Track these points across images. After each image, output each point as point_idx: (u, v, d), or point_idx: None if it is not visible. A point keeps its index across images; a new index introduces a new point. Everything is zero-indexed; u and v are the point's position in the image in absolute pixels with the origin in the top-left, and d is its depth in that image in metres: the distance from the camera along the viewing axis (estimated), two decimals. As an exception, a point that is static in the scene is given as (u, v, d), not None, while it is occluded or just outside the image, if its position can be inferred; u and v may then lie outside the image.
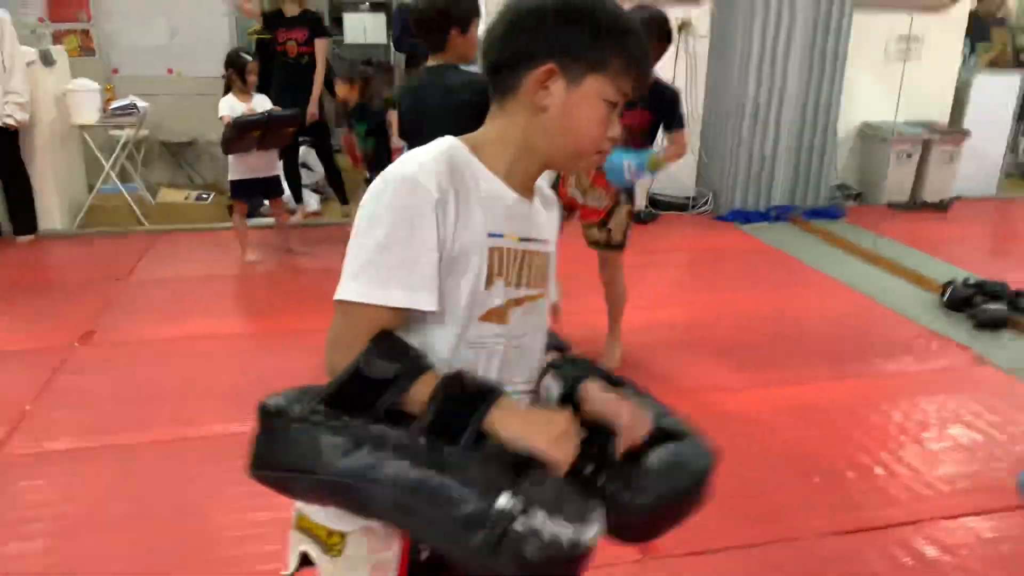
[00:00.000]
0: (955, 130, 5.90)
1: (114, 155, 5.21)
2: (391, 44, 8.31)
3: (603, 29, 1.03)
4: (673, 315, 3.86)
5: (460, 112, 2.49)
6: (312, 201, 5.73)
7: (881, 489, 2.44)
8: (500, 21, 1.09)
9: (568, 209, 3.09)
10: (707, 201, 5.69)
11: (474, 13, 2.52)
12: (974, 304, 3.84)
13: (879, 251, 4.69)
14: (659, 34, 2.94)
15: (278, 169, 4.66)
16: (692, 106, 5.74)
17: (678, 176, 5.80)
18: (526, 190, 1.12)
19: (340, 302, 0.99)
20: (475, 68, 2.54)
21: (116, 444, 2.65)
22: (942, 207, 5.79)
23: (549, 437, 0.93)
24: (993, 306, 3.73)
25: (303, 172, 5.69)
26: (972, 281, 4.00)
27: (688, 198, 5.84)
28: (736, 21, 5.33)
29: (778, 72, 5.34)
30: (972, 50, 6.27)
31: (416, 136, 2.59)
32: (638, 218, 5.49)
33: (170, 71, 6.04)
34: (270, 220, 5.17)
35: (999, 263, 4.70)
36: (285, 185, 5.30)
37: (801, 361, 3.35)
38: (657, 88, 2.93)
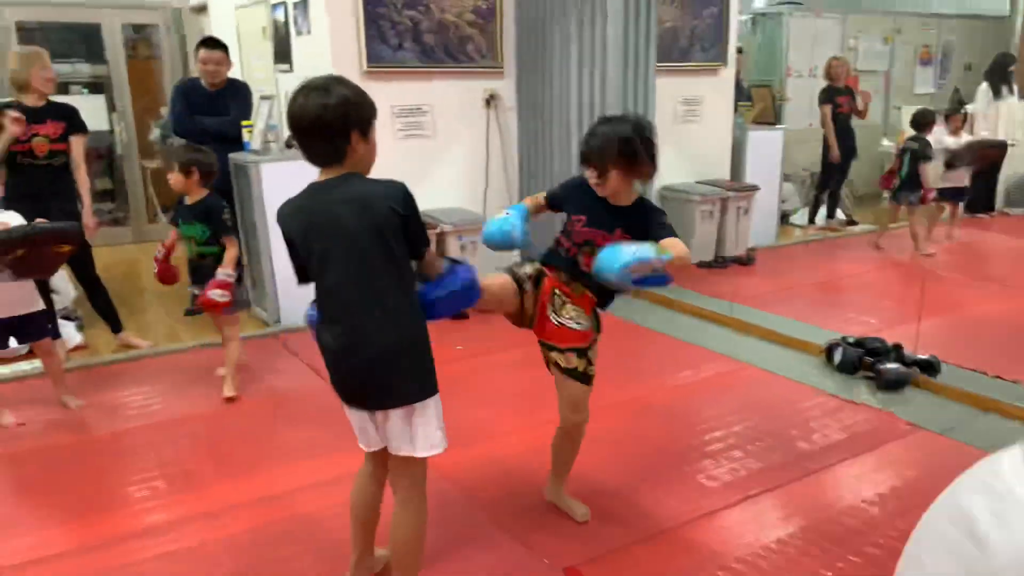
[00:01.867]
0: (747, 186, 6.16)
1: None
2: (113, 130, 7.09)
3: None
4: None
5: (384, 230, 1.90)
6: (72, 332, 4.47)
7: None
8: None
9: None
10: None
11: (374, 112, 1.97)
12: (865, 365, 3.84)
13: (736, 315, 4.63)
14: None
15: (39, 302, 3.50)
16: (509, 181, 5.40)
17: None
18: None
19: None
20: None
21: None
22: (748, 261, 5.98)
23: None
24: (891, 365, 3.73)
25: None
26: (851, 340, 4.02)
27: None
28: (543, 90, 5.09)
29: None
30: (735, 110, 6.65)
31: (322, 265, 1.94)
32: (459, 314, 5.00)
33: None
34: (25, 366, 3.92)
35: (843, 315, 4.84)
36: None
37: (753, 459, 3.04)
38: (645, 209, 2.40)
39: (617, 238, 2.29)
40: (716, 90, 6.20)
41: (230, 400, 3.60)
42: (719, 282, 5.57)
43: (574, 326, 2.42)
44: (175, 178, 3.49)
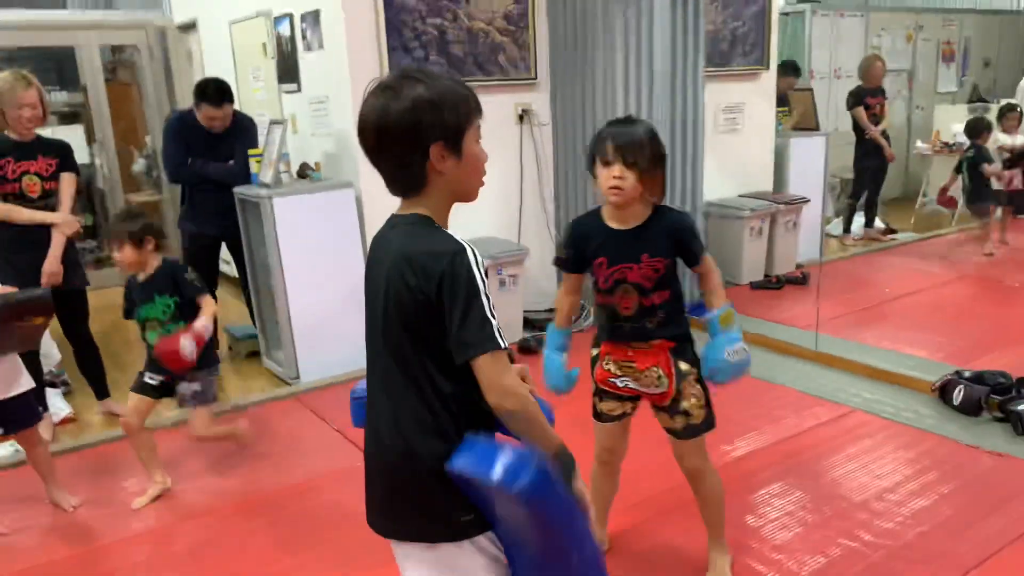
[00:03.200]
0: (796, 198, 5.65)
1: None
2: (94, 163, 6.46)
3: None
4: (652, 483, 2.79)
5: (406, 312, 1.33)
6: (59, 403, 3.85)
7: None
8: None
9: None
10: (586, 313, 4.78)
11: (469, 114, 1.36)
12: (992, 405, 3.31)
13: (822, 347, 4.09)
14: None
15: (25, 380, 2.87)
16: (545, 203, 4.85)
17: (538, 282, 4.84)
18: None
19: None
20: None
21: None
22: (803, 280, 5.45)
23: None
24: (1029, 405, 3.21)
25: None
26: (967, 375, 3.50)
27: (551, 310, 4.92)
28: (582, 102, 4.55)
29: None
30: (772, 117, 6.15)
31: (367, 331, 1.40)
32: (528, 348, 4.42)
33: None
34: (4, 451, 3.30)
35: (932, 340, 4.32)
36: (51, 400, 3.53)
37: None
38: (668, 220, 2.12)
39: (646, 267, 2.07)
40: (758, 96, 5.69)
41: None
42: (779, 306, 5.04)
43: (655, 391, 2.17)
44: (127, 254, 2.79)
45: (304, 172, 4.16)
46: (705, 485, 2.27)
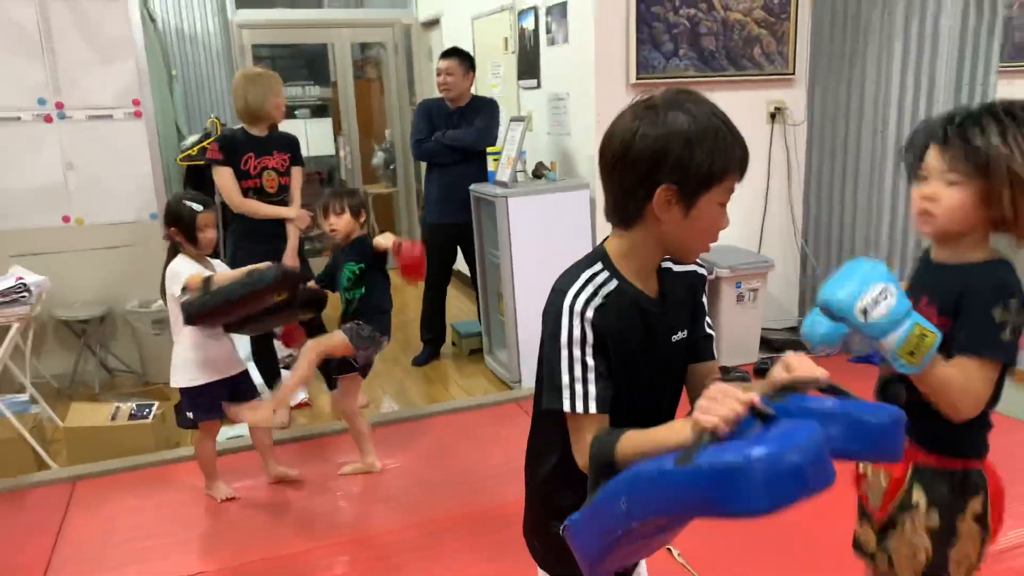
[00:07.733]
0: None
1: (-8, 365, 3.35)
2: (338, 154, 6.79)
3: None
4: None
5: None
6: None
7: None
8: None
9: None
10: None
11: (724, 174, 1.18)
12: None
13: None
14: None
15: (243, 361, 3.02)
16: (793, 211, 4.41)
17: (779, 299, 4.41)
18: None
19: None
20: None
21: None
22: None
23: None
24: None
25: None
26: None
27: (792, 329, 4.48)
28: (846, 99, 4.06)
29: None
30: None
31: None
32: (764, 372, 4.04)
33: (66, 219, 4.24)
34: (236, 432, 3.43)
35: None
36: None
37: None
38: (974, 272, 1.35)
39: (923, 315, 1.29)
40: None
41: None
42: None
43: (872, 502, 1.54)
44: (345, 221, 2.93)
45: (539, 172, 4.03)
46: None
